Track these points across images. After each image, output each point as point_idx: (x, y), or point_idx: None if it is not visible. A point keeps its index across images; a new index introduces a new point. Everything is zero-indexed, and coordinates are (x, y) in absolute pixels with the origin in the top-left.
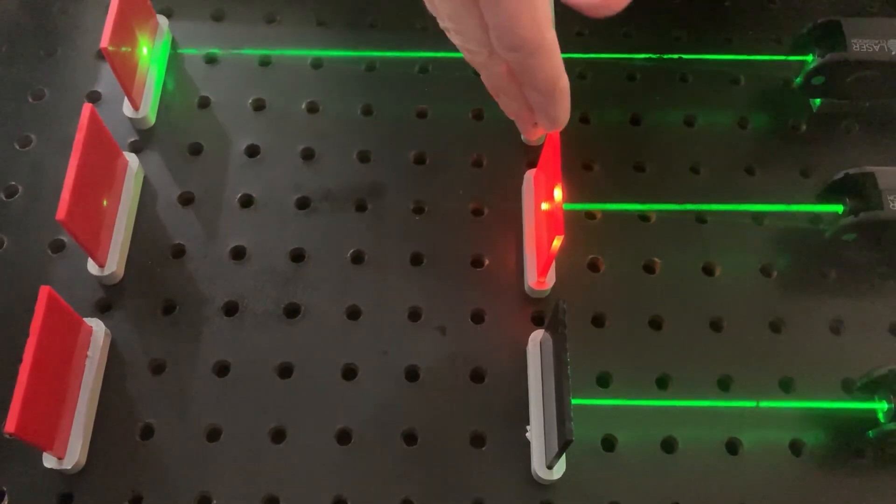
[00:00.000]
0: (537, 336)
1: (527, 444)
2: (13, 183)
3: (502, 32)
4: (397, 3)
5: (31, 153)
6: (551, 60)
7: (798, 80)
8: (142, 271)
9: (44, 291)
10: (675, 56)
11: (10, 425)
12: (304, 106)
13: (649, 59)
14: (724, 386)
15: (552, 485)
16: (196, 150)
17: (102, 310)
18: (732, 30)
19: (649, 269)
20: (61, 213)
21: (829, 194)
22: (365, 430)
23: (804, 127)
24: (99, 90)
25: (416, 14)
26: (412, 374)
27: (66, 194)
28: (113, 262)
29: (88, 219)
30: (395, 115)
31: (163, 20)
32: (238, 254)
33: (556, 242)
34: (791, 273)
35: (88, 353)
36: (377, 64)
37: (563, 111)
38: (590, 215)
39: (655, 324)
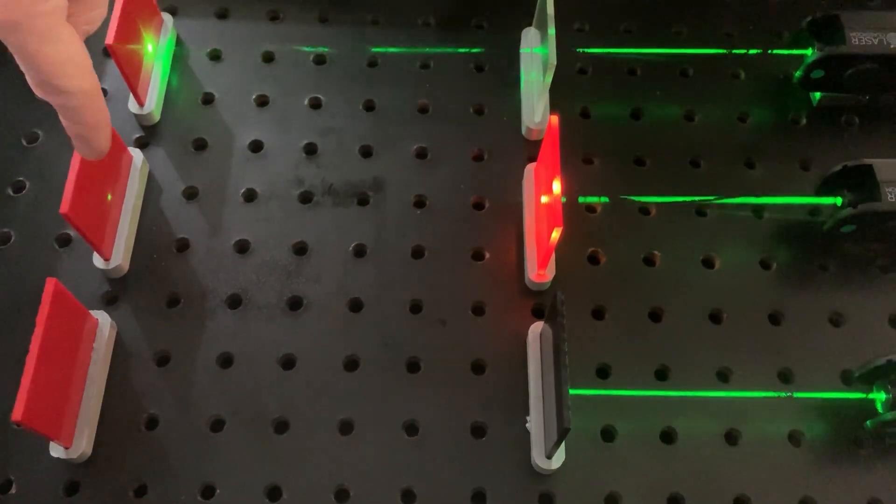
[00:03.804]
0: (537, 328)
1: (527, 434)
2: (21, 178)
3: (43, 83)
4: None
5: (38, 149)
6: (95, 102)
7: (797, 73)
8: (147, 265)
9: (50, 283)
10: (676, 50)
11: (17, 414)
12: (306, 102)
13: (650, 53)
14: (724, 377)
15: (552, 474)
16: (200, 145)
17: (108, 303)
18: (732, 24)
19: (649, 261)
20: (65, 207)
21: (827, 187)
22: (367, 421)
23: (804, 120)
24: (105, 87)
25: (417, 11)
26: (413, 366)
27: (69, 189)
28: (118, 255)
29: (93, 213)
30: (396, 111)
31: (167, 18)
32: (241, 247)
33: (555, 234)
34: (790, 265)
35: (94, 344)
36: (379, 60)
37: (107, 141)
38: (590, 208)
39: (655, 316)
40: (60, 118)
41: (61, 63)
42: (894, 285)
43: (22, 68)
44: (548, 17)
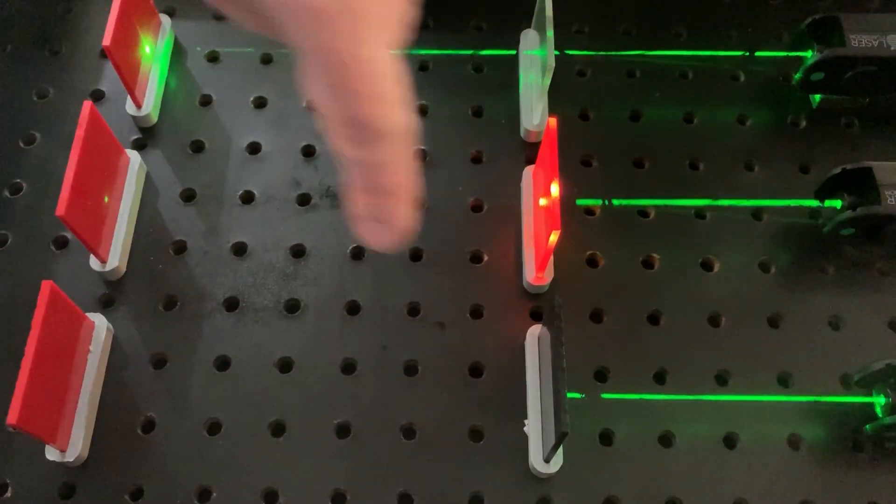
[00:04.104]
0: (535, 331)
1: (525, 438)
2: (18, 180)
3: (357, 124)
4: None
5: (36, 151)
6: (407, 151)
7: (797, 76)
8: (143, 267)
9: (45, 286)
10: (675, 52)
11: (12, 417)
12: (304, 104)
13: (649, 55)
14: (722, 381)
15: (550, 478)
16: (198, 147)
17: (105, 305)
18: (732, 26)
19: (648, 264)
20: (61, 209)
21: (827, 189)
22: (364, 424)
23: (803, 123)
24: (102, 88)
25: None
26: (411, 369)
27: (65, 191)
28: (115, 257)
29: (89, 215)
30: None
31: (165, 19)
32: (239, 250)
33: (553, 237)
34: (789, 268)
35: (90, 347)
36: None
37: (410, 216)
38: (589, 211)
39: (654, 319)
40: (353, 194)
41: (394, 101)
42: (894, 288)
43: (328, 109)
44: (546, 18)
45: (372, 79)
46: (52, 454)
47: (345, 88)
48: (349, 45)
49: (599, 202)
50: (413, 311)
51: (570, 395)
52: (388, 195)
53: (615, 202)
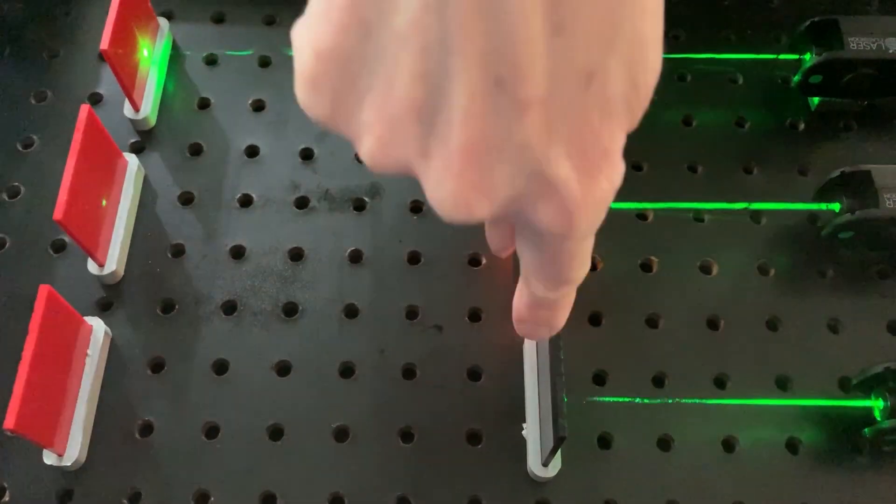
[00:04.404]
0: None
1: (523, 441)
2: (16, 184)
3: (555, 279)
4: None
5: (34, 154)
6: (571, 295)
7: (796, 78)
8: (142, 271)
9: (43, 290)
10: (673, 55)
11: (10, 422)
12: None
13: None
14: (721, 384)
15: (548, 482)
16: (196, 150)
17: (102, 309)
18: (730, 28)
19: (646, 267)
20: (59, 213)
21: (825, 192)
22: (362, 428)
23: (802, 125)
24: (100, 92)
25: None
26: (409, 373)
27: (63, 195)
28: (113, 261)
29: (87, 219)
30: None
31: (163, 22)
32: (237, 253)
33: None
34: (788, 271)
35: (88, 351)
36: None
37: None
38: None
39: (652, 322)
40: (525, 310)
41: (587, 254)
42: (893, 291)
43: (533, 267)
44: None
45: (581, 255)
46: (49, 458)
47: (552, 259)
48: (575, 245)
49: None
50: (411, 314)
51: (567, 398)
52: (559, 313)
53: (613, 205)
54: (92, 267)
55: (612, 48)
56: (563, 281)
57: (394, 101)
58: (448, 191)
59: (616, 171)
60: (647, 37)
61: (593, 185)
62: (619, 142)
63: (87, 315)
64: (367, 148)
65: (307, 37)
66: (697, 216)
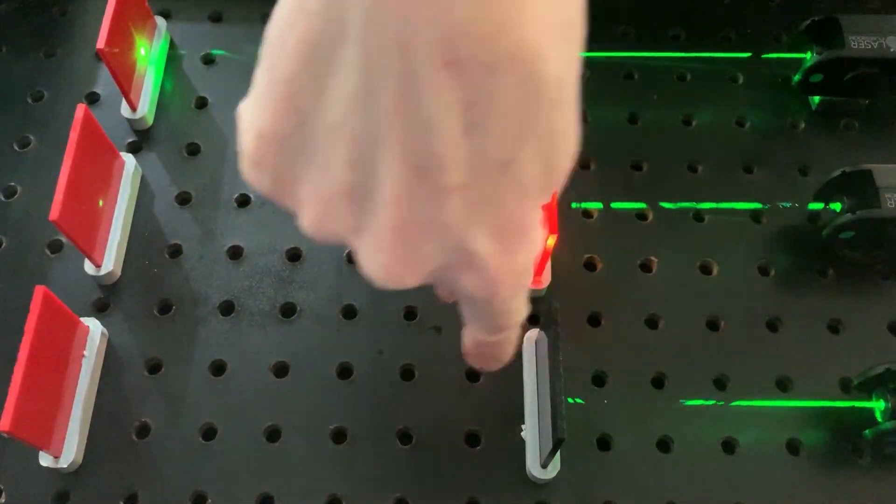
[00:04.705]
0: (532, 335)
1: (522, 443)
2: (12, 184)
3: (492, 329)
4: None
5: (30, 154)
6: (512, 335)
7: (796, 77)
8: (139, 271)
9: (39, 291)
10: (674, 54)
11: (5, 424)
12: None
13: (647, 56)
14: (721, 385)
15: (547, 484)
16: (194, 150)
17: (99, 309)
18: (730, 27)
19: (646, 267)
20: (55, 213)
21: (826, 192)
22: (360, 430)
23: (803, 125)
24: (97, 91)
25: None
26: (408, 374)
27: (59, 195)
28: (110, 261)
29: (83, 219)
30: None
31: (161, 21)
32: (235, 253)
33: (550, 241)
34: (789, 272)
35: (85, 352)
36: None
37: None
38: (586, 214)
39: (652, 323)
40: (472, 347)
41: (524, 300)
42: (894, 292)
43: (471, 317)
44: None
45: (511, 310)
46: (45, 460)
47: (485, 313)
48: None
49: (598, 205)
50: (409, 315)
51: (567, 399)
52: (502, 351)
53: (613, 205)
54: (89, 267)
55: (525, 141)
56: (498, 329)
57: (328, 183)
58: (379, 264)
59: (533, 243)
60: (561, 128)
61: (511, 258)
62: (536, 216)
63: (83, 316)
64: (306, 223)
65: (250, 119)
66: (697, 216)
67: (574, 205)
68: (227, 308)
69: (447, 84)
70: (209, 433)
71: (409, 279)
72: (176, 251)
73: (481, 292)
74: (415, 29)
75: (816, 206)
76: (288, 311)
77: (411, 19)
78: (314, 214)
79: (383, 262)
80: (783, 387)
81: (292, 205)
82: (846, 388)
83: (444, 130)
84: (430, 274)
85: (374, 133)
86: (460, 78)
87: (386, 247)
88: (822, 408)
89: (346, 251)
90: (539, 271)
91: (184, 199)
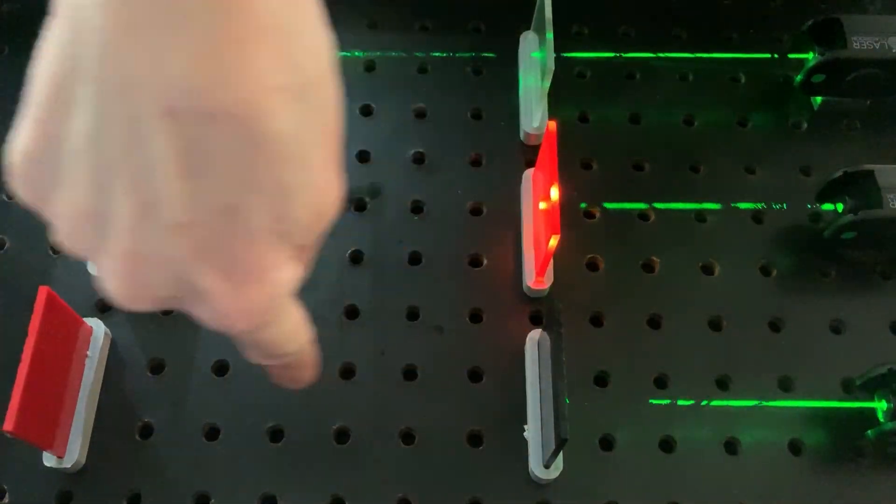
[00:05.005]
0: (535, 335)
1: (525, 443)
2: None
3: (265, 356)
4: (396, 3)
5: None
6: (310, 352)
7: (798, 78)
8: None
9: (42, 291)
10: (675, 55)
11: (8, 424)
12: None
13: (649, 57)
14: (723, 385)
15: (550, 484)
16: None
17: (103, 310)
18: (732, 28)
19: (648, 267)
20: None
21: (828, 193)
22: (362, 430)
23: (805, 125)
24: None
25: (414, 14)
26: (410, 374)
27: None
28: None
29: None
30: (393, 115)
31: None
32: None
33: (553, 241)
34: (791, 272)
35: (88, 352)
36: (376, 64)
37: (313, 373)
38: (589, 214)
39: (654, 323)
40: (269, 368)
41: (289, 332)
42: None
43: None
44: (546, 20)
45: (271, 342)
46: (49, 460)
47: (250, 345)
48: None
49: (600, 206)
50: (412, 315)
51: (569, 400)
52: (295, 371)
53: (615, 205)
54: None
55: (248, 191)
56: (269, 357)
57: (72, 204)
58: (115, 286)
59: (270, 285)
60: (294, 183)
61: (242, 294)
62: (275, 259)
63: (86, 316)
64: (56, 238)
65: (15, 140)
66: (700, 216)
67: (581, 205)
68: None
69: (166, 130)
70: (212, 433)
71: (141, 304)
72: None
73: (215, 324)
74: (137, 78)
75: (820, 206)
76: None
77: (134, 69)
78: (64, 230)
79: (118, 286)
80: (785, 387)
81: (50, 217)
82: (848, 389)
83: (165, 172)
84: (164, 301)
85: (108, 165)
86: (176, 126)
87: (118, 272)
88: (825, 408)
89: (349, 252)
90: (542, 272)
91: None
